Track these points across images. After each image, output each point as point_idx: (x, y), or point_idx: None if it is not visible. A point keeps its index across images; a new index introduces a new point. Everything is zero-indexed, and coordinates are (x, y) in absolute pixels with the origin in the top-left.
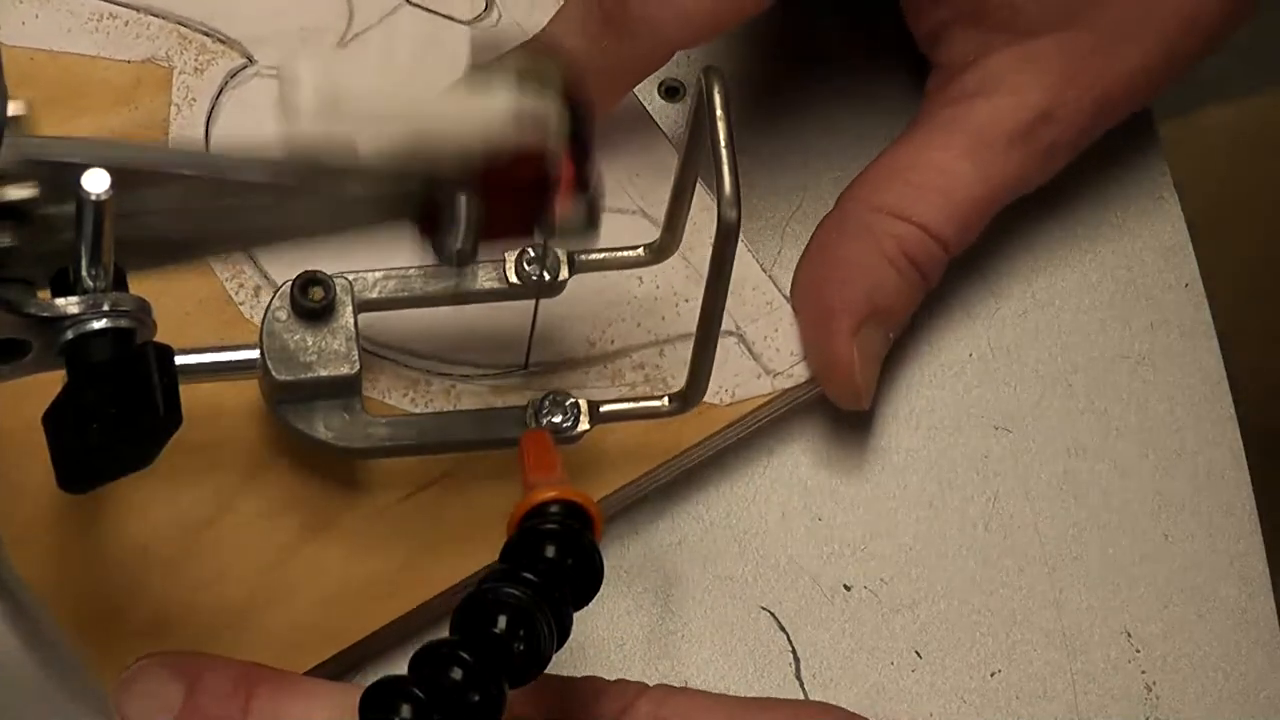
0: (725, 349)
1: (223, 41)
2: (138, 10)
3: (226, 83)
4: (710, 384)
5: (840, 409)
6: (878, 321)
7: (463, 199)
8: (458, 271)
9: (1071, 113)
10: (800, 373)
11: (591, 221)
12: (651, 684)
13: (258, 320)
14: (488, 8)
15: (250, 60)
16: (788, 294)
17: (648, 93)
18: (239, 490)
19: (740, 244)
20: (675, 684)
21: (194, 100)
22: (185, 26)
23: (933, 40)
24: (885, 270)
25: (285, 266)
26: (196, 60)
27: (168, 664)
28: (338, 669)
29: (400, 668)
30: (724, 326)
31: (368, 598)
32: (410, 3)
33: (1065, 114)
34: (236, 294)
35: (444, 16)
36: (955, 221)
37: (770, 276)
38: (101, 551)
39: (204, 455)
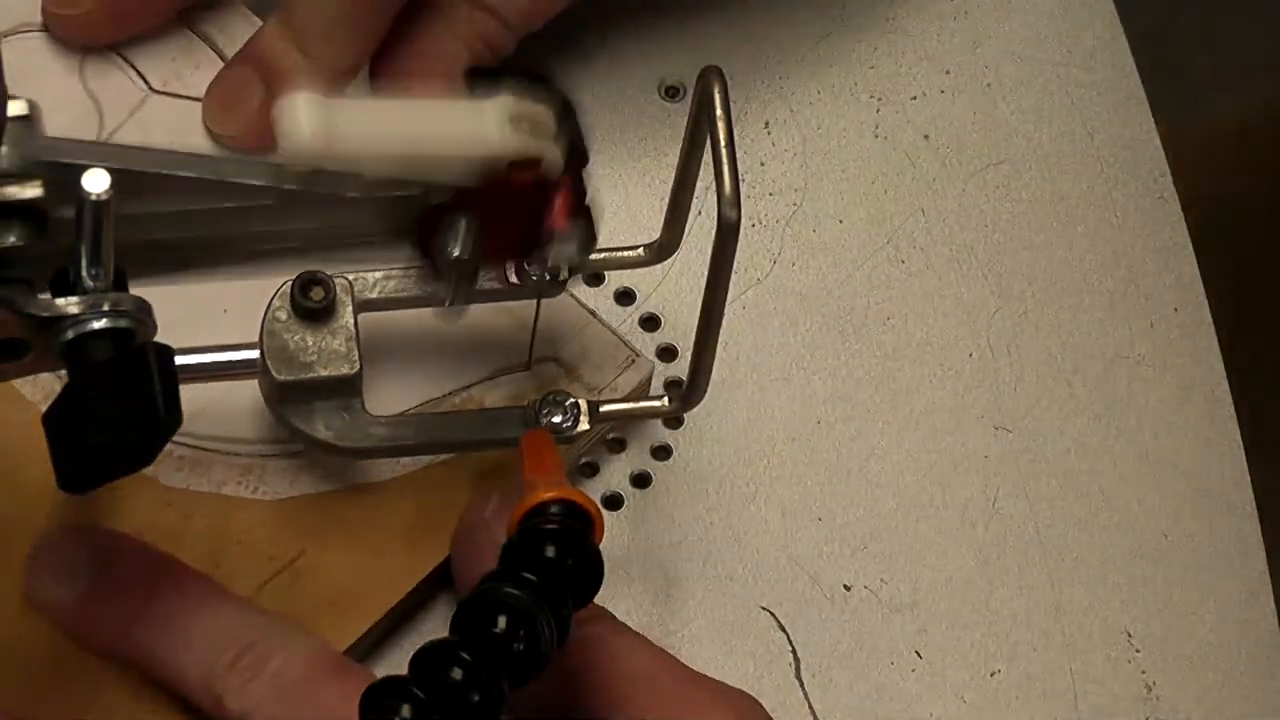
0: (543, 375)
1: None
2: None
3: None
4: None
5: None
6: None
7: (461, 221)
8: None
9: None
10: (624, 384)
11: (588, 240)
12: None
13: (29, 396)
14: None
15: None
16: (594, 312)
17: (648, 93)
18: None
19: None
20: None
21: None
22: None
23: None
24: (463, 56)
25: None
26: None
27: (82, 539)
28: None
29: None
30: (539, 354)
31: None
32: (156, 91)
33: None
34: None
35: (192, 99)
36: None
37: (573, 298)
38: None
39: None
